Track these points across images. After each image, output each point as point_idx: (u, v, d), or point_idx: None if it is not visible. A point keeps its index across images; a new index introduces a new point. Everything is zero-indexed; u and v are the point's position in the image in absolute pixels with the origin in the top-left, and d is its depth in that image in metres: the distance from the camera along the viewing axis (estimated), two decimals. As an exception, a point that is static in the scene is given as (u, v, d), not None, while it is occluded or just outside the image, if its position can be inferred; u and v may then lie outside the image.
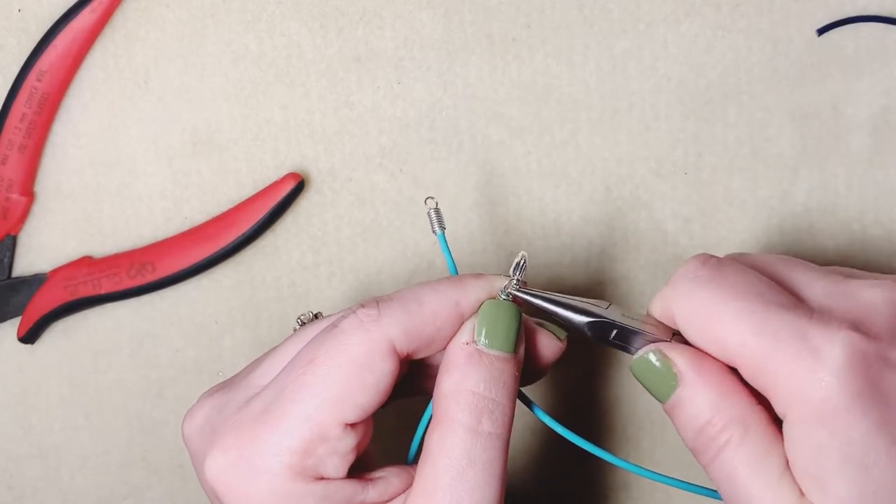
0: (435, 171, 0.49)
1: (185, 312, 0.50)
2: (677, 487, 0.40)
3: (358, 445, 0.38)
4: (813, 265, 0.39)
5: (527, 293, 0.40)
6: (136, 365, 0.51)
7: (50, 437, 0.51)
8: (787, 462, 0.36)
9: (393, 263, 0.50)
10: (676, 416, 0.37)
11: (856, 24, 0.48)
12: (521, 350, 0.39)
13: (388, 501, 0.39)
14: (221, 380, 0.51)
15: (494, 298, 0.39)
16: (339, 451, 0.37)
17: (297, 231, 0.50)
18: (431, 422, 0.38)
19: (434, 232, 0.42)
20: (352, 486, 0.38)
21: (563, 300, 0.39)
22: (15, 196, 0.49)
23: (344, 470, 0.38)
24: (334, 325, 0.38)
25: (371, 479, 0.39)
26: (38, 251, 0.50)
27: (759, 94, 0.49)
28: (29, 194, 0.49)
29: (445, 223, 0.42)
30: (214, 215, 0.49)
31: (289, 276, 0.50)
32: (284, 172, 0.49)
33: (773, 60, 0.48)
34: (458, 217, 0.50)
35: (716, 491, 0.37)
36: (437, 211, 0.42)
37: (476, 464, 0.37)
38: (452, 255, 0.42)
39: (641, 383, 0.38)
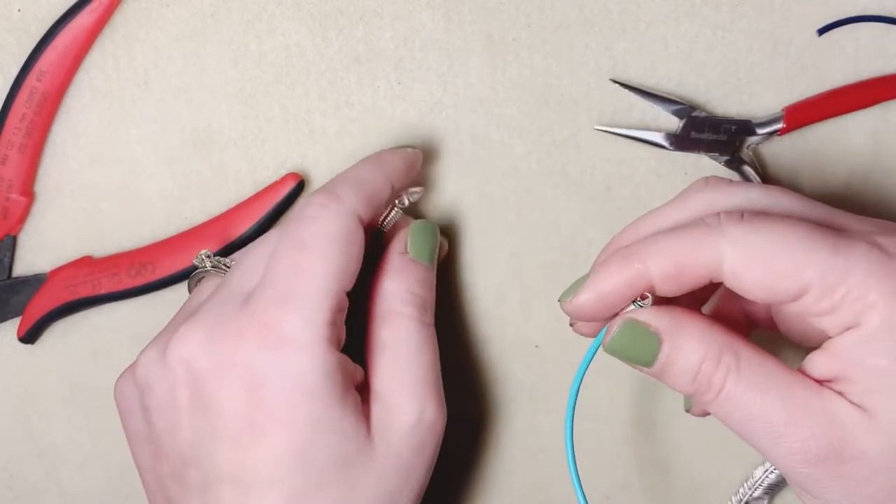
0: (435, 171, 0.49)
1: (185, 312, 0.50)
2: None
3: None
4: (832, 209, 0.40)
5: None
6: (136, 365, 0.51)
7: (50, 437, 0.51)
8: (785, 367, 0.37)
9: (393, 263, 0.50)
10: (668, 372, 0.38)
11: (856, 24, 0.48)
12: (435, 262, 0.47)
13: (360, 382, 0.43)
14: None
15: (420, 219, 0.47)
16: (343, 318, 0.42)
17: (297, 231, 0.50)
18: (374, 319, 0.44)
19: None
20: (348, 358, 0.42)
21: None
22: (15, 196, 0.49)
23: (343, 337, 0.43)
24: (300, 217, 0.43)
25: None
26: (38, 251, 0.50)
27: (759, 94, 0.49)
28: (29, 194, 0.49)
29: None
30: (214, 215, 0.50)
31: (289, 276, 0.50)
32: (284, 172, 0.49)
33: (773, 60, 0.48)
34: (458, 217, 0.50)
35: None
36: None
37: (425, 347, 0.44)
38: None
39: (623, 359, 0.39)
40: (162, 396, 0.42)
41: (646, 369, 0.39)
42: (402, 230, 0.46)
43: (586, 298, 0.39)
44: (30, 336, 0.50)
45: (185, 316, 0.44)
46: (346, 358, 0.42)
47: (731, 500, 0.51)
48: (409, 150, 0.47)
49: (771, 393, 0.37)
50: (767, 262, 0.36)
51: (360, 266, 0.43)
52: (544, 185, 0.50)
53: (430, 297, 0.46)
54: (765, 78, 0.49)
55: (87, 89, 0.49)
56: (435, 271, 0.47)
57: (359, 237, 0.43)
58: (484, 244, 0.50)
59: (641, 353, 0.38)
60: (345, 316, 0.42)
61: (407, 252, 0.46)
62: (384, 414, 0.42)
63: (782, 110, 0.48)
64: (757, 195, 0.40)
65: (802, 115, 0.48)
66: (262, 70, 0.49)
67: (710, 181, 0.42)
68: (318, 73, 0.49)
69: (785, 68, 0.48)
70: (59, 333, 0.51)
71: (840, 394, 0.37)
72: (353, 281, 0.42)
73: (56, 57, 0.48)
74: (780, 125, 0.48)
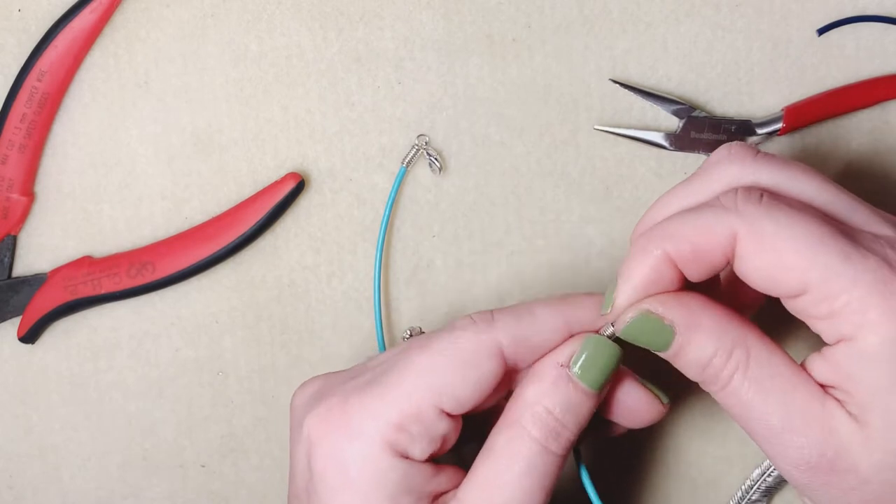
0: (435, 170, 0.50)
1: (185, 312, 0.50)
2: None
3: (445, 437, 0.40)
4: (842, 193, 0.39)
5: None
6: (136, 365, 0.51)
7: (50, 437, 0.51)
8: (793, 368, 0.37)
9: (393, 263, 0.50)
10: (679, 361, 0.38)
11: (856, 24, 0.48)
12: (605, 391, 0.41)
13: (447, 491, 0.40)
14: (221, 380, 0.51)
15: (599, 333, 0.40)
16: (430, 434, 0.39)
17: (297, 231, 0.50)
18: (500, 422, 0.40)
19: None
20: (429, 471, 0.40)
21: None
22: (15, 196, 0.49)
23: (427, 454, 0.40)
24: (451, 325, 0.40)
25: (441, 468, 0.40)
26: (38, 251, 0.50)
27: (759, 94, 0.49)
28: (29, 194, 0.49)
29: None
30: (214, 215, 0.50)
31: (289, 276, 0.50)
32: (284, 172, 0.49)
33: (773, 60, 0.49)
34: (458, 217, 0.50)
35: None
36: None
37: (533, 474, 0.39)
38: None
39: (636, 343, 0.39)
40: None
41: (660, 353, 0.39)
42: (573, 339, 0.40)
43: (624, 301, 0.38)
44: (30, 336, 0.50)
45: (358, 365, 0.43)
46: (416, 465, 0.39)
47: (730, 502, 0.51)
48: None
49: (774, 395, 0.37)
50: (776, 251, 0.36)
51: (478, 395, 0.40)
52: (544, 185, 0.50)
53: (574, 426, 0.40)
54: (765, 78, 0.49)
55: (87, 89, 0.49)
56: (596, 401, 0.40)
57: (487, 366, 0.39)
58: (484, 244, 0.50)
59: (655, 340, 0.38)
60: (437, 433, 0.39)
61: (569, 366, 0.40)
62: None
63: (782, 110, 0.48)
64: (781, 174, 0.39)
65: (802, 115, 0.48)
66: (263, 70, 0.49)
67: (733, 150, 0.39)
68: (318, 74, 0.49)
69: (785, 68, 0.48)
70: (59, 333, 0.51)
71: (839, 402, 0.36)
72: (459, 405, 0.39)
73: (56, 57, 0.48)
74: (779, 125, 0.48)
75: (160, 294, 0.50)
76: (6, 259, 0.50)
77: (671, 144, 0.48)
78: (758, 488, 0.51)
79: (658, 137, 0.48)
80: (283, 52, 0.49)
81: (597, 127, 0.49)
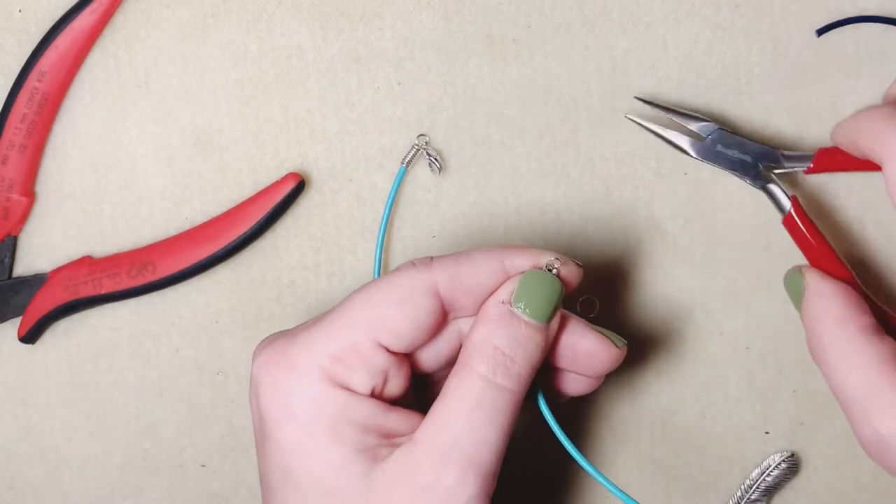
0: (435, 171, 0.50)
1: (185, 312, 0.51)
2: None
3: (386, 372, 0.41)
4: None
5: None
6: (136, 365, 0.51)
7: (50, 437, 0.51)
8: (881, 360, 0.42)
9: (393, 263, 0.50)
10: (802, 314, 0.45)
11: (856, 24, 0.48)
12: (554, 324, 0.42)
13: (404, 434, 0.41)
14: (221, 380, 0.51)
15: (538, 268, 0.42)
16: (368, 367, 0.40)
17: (297, 231, 0.50)
18: (454, 368, 0.41)
19: None
20: (374, 406, 0.41)
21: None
22: (16, 196, 0.49)
23: (369, 387, 0.41)
24: (392, 270, 0.42)
25: (394, 408, 0.41)
26: (38, 251, 0.50)
27: (759, 94, 0.49)
28: (30, 194, 0.49)
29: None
30: (214, 215, 0.50)
31: (289, 276, 0.50)
32: (284, 172, 0.49)
33: (773, 60, 0.49)
34: (458, 217, 0.50)
35: None
36: None
37: (483, 408, 0.40)
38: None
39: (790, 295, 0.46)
40: None
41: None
42: (512, 278, 0.42)
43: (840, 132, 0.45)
44: (30, 336, 0.50)
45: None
46: (358, 398, 0.40)
47: (730, 502, 0.51)
48: (547, 253, 0.43)
49: (851, 376, 0.42)
50: None
51: (416, 333, 0.41)
52: (544, 185, 0.50)
53: (524, 360, 0.41)
54: (765, 78, 0.49)
55: (87, 90, 0.49)
56: (547, 333, 0.42)
57: (423, 302, 0.41)
58: (484, 244, 0.50)
59: (795, 296, 0.45)
60: (376, 366, 0.40)
61: (510, 303, 0.41)
62: (402, 465, 0.40)
63: (815, 150, 0.47)
64: None
65: (833, 161, 0.46)
66: (263, 70, 0.49)
67: None
68: (318, 74, 0.49)
69: (785, 68, 0.48)
70: (60, 333, 0.51)
71: None
72: (397, 340, 0.41)
73: (57, 57, 0.48)
74: (807, 164, 0.46)
75: (160, 294, 0.50)
76: (6, 259, 0.50)
77: (696, 152, 0.48)
78: (757, 488, 0.51)
79: (684, 142, 0.48)
80: (283, 53, 0.49)
81: (628, 116, 0.48)
